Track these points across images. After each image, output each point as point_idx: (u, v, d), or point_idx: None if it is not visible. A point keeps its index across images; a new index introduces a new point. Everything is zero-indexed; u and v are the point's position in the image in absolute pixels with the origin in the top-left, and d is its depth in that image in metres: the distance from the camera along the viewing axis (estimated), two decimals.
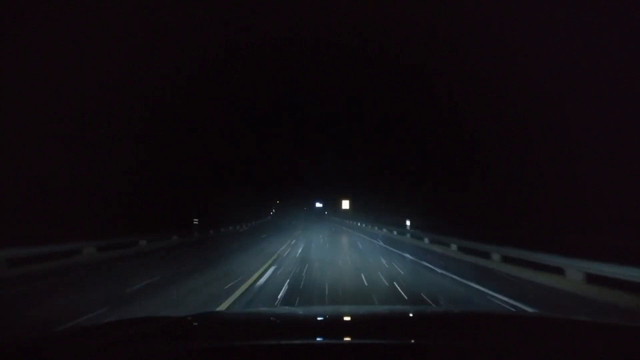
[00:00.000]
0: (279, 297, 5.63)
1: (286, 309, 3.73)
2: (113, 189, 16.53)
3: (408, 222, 20.04)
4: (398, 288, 6.31)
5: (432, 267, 8.97)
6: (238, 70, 34.57)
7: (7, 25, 13.27)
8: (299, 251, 12.06)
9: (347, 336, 1.42)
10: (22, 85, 13.52)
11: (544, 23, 14.93)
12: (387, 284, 6.67)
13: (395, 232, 20.31)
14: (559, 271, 7.27)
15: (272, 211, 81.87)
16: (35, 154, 13.25)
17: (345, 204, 57.43)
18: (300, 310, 2.86)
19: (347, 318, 1.91)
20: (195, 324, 1.53)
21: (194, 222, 19.45)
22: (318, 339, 1.34)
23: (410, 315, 2.05)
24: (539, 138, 16.16)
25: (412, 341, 1.27)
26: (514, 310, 5.02)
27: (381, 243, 15.83)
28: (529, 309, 5.20)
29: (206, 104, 28.68)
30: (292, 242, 15.46)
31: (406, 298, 5.67)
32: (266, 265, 8.63)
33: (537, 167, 15.87)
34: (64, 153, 14.51)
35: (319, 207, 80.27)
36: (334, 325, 1.67)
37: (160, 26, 19.59)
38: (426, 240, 14.89)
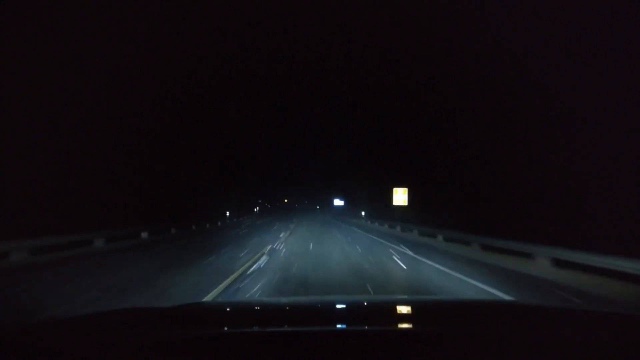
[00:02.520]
0: None
1: (274, 300, 3.66)
2: (117, 184, 16.93)
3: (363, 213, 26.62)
4: None
5: None
6: (247, 70, 34.45)
7: (21, 27, 13.56)
8: None
9: (335, 324, 1.41)
10: (31, 82, 13.84)
11: (546, 26, 15.02)
12: None
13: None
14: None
15: (258, 208, 59.39)
16: (43, 151, 13.61)
17: (399, 197, 26.54)
18: (289, 300, 2.84)
19: (335, 307, 1.89)
20: (182, 313, 1.52)
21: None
22: (307, 327, 1.31)
23: (402, 303, 2.03)
24: (536, 135, 16.39)
25: (404, 327, 1.27)
26: (511, 299, 5.01)
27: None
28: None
29: (210, 103, 28.81)
30: None
31: None
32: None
33: (537, 164, 16.15)
34: (68, 150, 14.87)
35: (339, 206, 56.50)
36: (323, 314, 1.65)
37: (161, 27, 19.78)
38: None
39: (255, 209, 49.24)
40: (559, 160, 14.99)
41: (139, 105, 19.24)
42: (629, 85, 12.18)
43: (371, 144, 39.44)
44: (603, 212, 12.64)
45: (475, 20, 18.49)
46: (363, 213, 33.50)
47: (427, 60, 23.33)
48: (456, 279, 6.55)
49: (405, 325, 1.34)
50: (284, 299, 3.35)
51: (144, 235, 12.91)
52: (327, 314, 1.66)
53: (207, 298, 4.78)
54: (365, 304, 2.03)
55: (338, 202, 57.83)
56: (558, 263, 7.67)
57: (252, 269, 7.05)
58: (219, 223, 23.69)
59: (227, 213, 28.61)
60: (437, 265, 7.97)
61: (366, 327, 1.29)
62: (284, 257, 8.87)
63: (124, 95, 18.18)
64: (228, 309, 1.80)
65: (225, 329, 1.27)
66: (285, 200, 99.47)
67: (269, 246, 10.77)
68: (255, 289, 5.50)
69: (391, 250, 10.69)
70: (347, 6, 23.28)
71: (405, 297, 3.93)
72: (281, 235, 15.12)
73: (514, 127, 17.30)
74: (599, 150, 13.48)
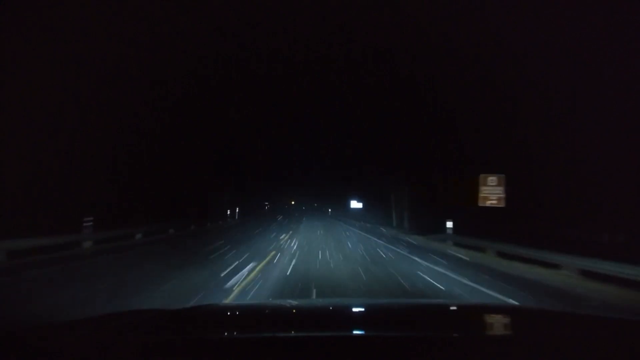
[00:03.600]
0: None
1: (283, 302, 3.70)
2: (116, 184, 17.01)
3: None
4: None
5: None
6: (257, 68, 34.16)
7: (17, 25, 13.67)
8: None
9: (343, 328, 1.41)
10: (24, 80, 13.95)
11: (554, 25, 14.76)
12: None
13: None
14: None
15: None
16: (35, 149, 13.70)
17: (493, 191, 14.02)
18: (297, 303, 2.82)
19: (344, 311, 1.88)
20: (192, 315, 1.54)
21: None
22: (315, 331, 1.31)
23: (409, 308, 2.01)
24: (541, 135, 16.14)
25: (413, 334, 1.25)
26: (515, 303, 5.11)
27: None
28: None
29: (211, 103, 28.83)
30: None
31: None
32: None
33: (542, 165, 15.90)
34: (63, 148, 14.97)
35: (357, 209, 44.23)
36: (324, 318, 1.64)
37: (161, 27, 19.84)
38: None
39: (230, 212, 31.10)
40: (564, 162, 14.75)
41: (138, 105, 19.31)
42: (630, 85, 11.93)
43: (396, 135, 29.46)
44: (609, 215, 12.41)
45: (476, 20, 18.26)
46: (450, 224, 15.43)
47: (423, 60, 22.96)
48: None
49: (408, 329, 1.34)
50: (289, 302, 3.36)
51: (139, 236, 12.86)
52: (329, 318, 1.64)
53: None
54: (367, 307, 2.01)
55: (356, 204, 44.68)
56: None
57: None
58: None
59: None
60: None
61: (369, 332, 1.28)
62: None
63: (124, 95, 18.27)
64: (231, 312, 1.80)
65: (227, 332, 1.27)
66: (292, 202, 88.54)
67: None
68: None
69: None
70: (347, 6, 23.14)
71: (408, 300, 3.95)
72: None
73: (514, 127, 17.06)
74: (601, 152, 13.24)
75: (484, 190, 14.48)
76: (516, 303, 5.20)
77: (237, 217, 31.67)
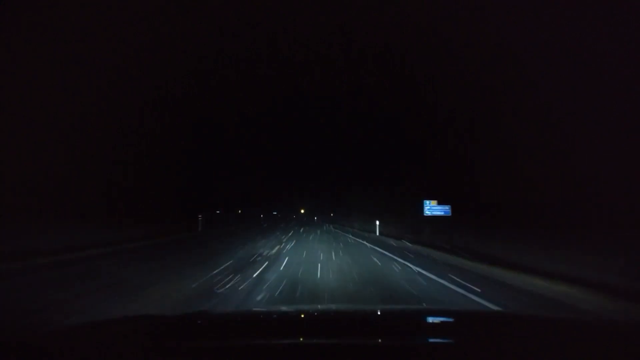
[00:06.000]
0: None
1: (278, 308, 3.68)
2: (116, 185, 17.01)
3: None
4: None
5: None
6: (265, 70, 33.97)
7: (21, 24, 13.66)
8: None
9: (337, 336, 1.40)
10: (27, 82, 13.95)
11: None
12: None
13: None
14: None
15: None
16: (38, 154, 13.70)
17: None
18: (292, 309, 2.83)
19: (338, 317, 1.88)
20: (187, 322, 1.52)
21: None
22: (309, 338, 1.31)
23: (403, 314, 2.03)
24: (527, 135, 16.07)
25: (406, 341, 1.27)
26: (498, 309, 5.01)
27: None
28: None
29: (212, 104, 28.77)
30: None
31: None
32: None
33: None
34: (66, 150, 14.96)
35: (437, 216, 15.28)
36: (325, 325, 1.64)
37: (161, 27, 19.85)
38: None
39: None
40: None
41: (138, 105, 19.30)
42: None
43: None
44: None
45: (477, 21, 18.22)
46: None
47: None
48: None
49: (403, 336, 1.35)
50: (285, 308, 3.38)
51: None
52: (326, 325, 1.64)
53: None
54: (372, 314, 2.01)
55: (439, 208, 15.90)
56: None
57: None
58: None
59: None
60: None
61: (371, 341, 1.28)
62: None
63: (124, 95, 18.27)
64: (232, 318, 1.82)
65: (228, 340, 1.27)
66: (302, 211, 73.90)
67: None
68: None
69: None
70: (347, 6, 23.10)
71: (411, 307, 3.93)
72: None
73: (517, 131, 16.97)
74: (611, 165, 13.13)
75: None
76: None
77: None
